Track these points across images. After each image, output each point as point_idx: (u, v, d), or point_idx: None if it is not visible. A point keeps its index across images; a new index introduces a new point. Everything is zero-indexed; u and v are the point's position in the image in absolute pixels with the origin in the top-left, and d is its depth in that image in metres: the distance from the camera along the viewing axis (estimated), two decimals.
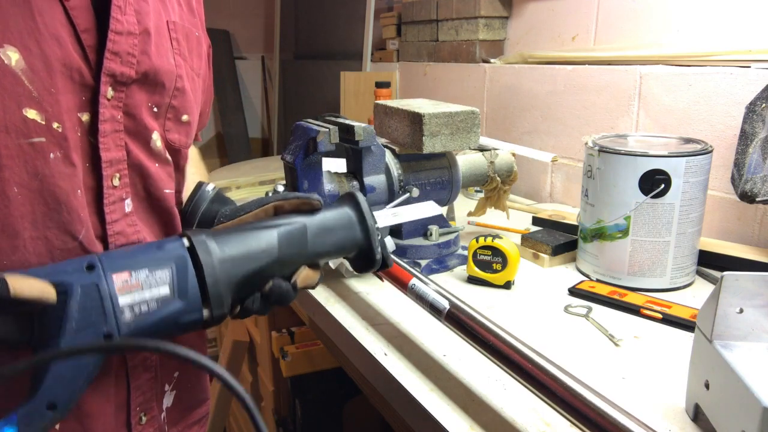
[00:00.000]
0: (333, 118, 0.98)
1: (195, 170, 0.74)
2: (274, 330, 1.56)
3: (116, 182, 0.52)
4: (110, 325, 0.44)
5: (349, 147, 0.99)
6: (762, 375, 0.50)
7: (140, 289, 0.45)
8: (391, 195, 1.00)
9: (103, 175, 0.50)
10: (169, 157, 0.58)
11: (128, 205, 0.53)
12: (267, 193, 0.94)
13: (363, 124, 0.92)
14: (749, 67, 1.04)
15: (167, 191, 0.57)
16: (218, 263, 0.49)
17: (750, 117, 0.97)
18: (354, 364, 0.83)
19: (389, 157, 1.01)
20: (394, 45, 2.17)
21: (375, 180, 0.99)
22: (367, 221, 0.60)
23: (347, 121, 0.94)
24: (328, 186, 0.95)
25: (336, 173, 0.99)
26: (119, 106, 0.51)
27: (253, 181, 1.78)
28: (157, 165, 0.56)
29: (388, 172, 1.00)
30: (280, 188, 0.94)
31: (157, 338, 0.45)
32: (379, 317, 0.86)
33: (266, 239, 0.53)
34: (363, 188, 0.98)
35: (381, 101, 1.12)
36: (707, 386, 0.57)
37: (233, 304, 0.52)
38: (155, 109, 0.54)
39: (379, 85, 1.91)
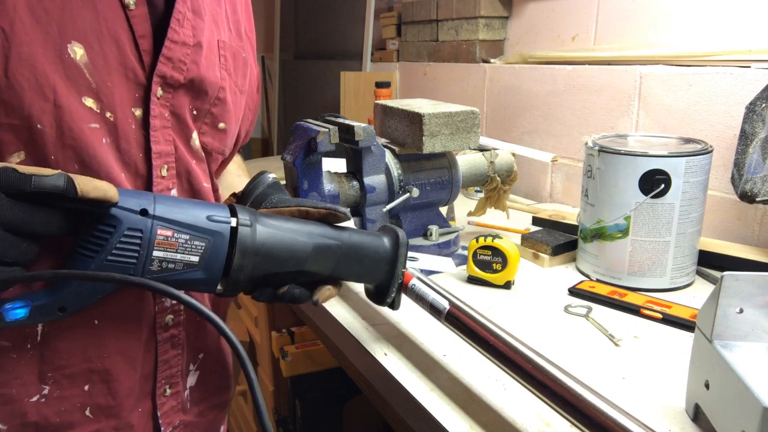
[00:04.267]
0: (333, 118, 0.98)
1: (239, 171, 0.82)
2: (274, 330, 1.56)
3: (164, 173, 0.58)
4: (137, 270, 0.49)
5: (349, 147, 0.99)
6: (762, 375, 0.50)
7: (174, 251, 0.50)
8: (391, 195, 1.00)
9: (153, 164, 0.56)
10: (204, 156, 0.64)
11: (174, 194, 0.59)
12: None
13: (363, 124, 0.92)
14: (749, 67, 1.04)
15: (205, 185, 0.63)
16: (251, 255, 0.53)
17: (750, 117, 0.97)
18: (354, 364, 0.83)
19: (389, 157, 1.01)
20: (394, 45, 2.17)
21: (375, 180, 0.99)
22: (398, 266, 0.62)
23: (347, 121, 0.94)
24: (328, 186, 0.95)
25: (336, 173, 0.99)
26: (167, 106, 0.57)
27: None
28: (194, 162, 0.62)
29: (388, 172, 1.00)
30: None
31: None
32: (379, 317, 0.86)
33: (301, 250, 0.56)
34: (363, 188, 0.98)
35: (381, 101, 1.12)
36: (707, 386, 0.57)
37: (246, 287, 0.57)
38: (195, 113, 0.60)
39: (379, 85, 1.91)
